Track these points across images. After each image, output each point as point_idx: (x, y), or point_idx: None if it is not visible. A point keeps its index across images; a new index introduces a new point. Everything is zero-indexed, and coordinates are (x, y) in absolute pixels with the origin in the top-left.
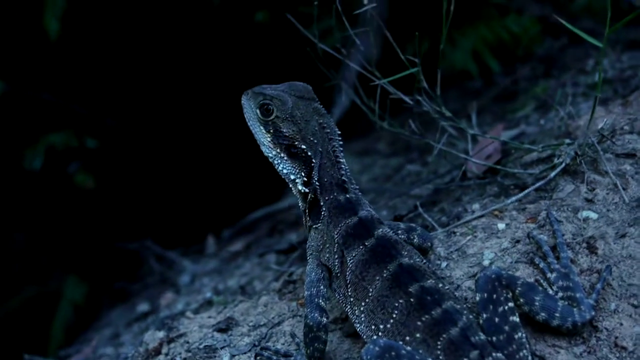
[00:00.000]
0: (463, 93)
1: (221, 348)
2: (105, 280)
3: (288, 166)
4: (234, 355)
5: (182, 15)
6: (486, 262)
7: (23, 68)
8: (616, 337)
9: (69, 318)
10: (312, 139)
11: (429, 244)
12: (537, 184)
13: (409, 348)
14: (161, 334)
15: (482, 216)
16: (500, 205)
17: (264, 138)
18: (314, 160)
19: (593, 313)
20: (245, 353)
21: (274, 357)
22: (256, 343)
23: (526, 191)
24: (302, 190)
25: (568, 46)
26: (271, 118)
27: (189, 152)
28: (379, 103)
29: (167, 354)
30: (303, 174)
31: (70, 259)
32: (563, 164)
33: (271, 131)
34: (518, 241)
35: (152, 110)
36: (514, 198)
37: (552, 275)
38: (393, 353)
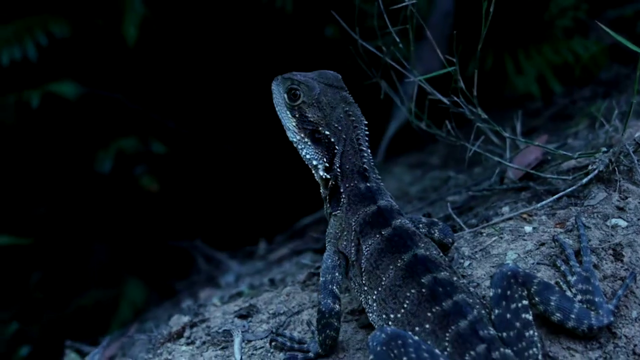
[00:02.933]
0: (523, 113)
1: (241, 332)
2: (158, 279)
3: (311, 151)
4: (250, 341)
5: (253, 25)
6: (508, 262)
7: (99, 72)
8: (635, 345)
9: (127, 317)
10: (336, 125)
11: (450, 239)
12: (568, 190)
13: (416, 337)
14: (186, 319)
15: (510, 219)
16: (529, 209)
17: (289, 122)
18: (337, 147)
19: (612, 318)
20: (261, 339)
21: (288, 343)
22: (273, 330)
23: (556, 196)
24: (324, 177)
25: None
26: (297, 103)
27: (248, 159)
28: (427, 110)
29: (188, 337)
30: (325, 160)
31: (130, 260)
32: (596, 171)
33: (297, 116)
34: (543, 244)
35: (215, 116)
36: (543, 202)
37: (572, 279)
38: (400, 341)
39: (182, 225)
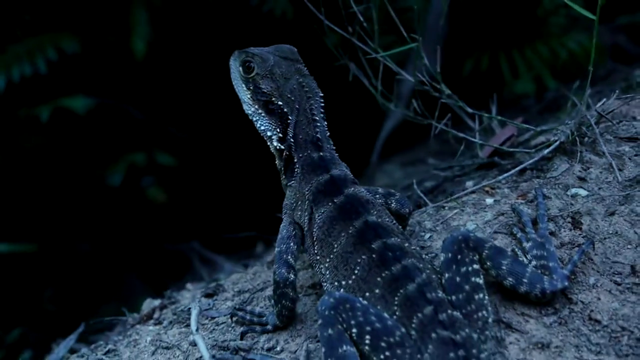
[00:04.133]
0: (517, 109)
1: (204, 310)
2: (154, 280)
3: (265, 122)
4: (213, 317)
5: (254, 34)
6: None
7: (108, 86)
8: (591, 311)
9: None
10: (289, 96)
11: (407, 210)
12: (530, 161)
13: (364, 302)
14: (157, 302)
15: (473, 192)
16: (491, 181)
17: (244, 95)
18: (290, 117)
19: (566, 283)
20: (225, 315)
21: (248, 317)
22: (237, 306)
23: (518, 168)
24: (278, 147)
25: (633, 69)
26: (252, 75)
27: (250, 166)
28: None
29: (157, 318)
30: (279, 131)
31: (131, 263)
32: (557, 142)
33: (251, 88)
34: (502, 214)
35: (220, 127)
36: (505, 175)
37: (527, 245)
38: (348, 305)
39: (184, 231)
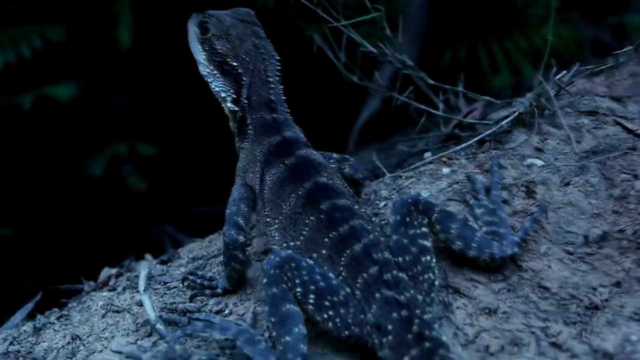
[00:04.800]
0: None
1: (158, 275)
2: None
3: (220, 83)
4: (166, 282)
5: None
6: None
7: (94, 74)
8: (541, 279)
9: None
10: (244, 57)
11: (360, 175)
12: (487, 132)
13: (310, 262)
14: (114, 271)
15: (431, 163)
16: (449, 152)
17: (200, 56)
18: (244, 78)
19: (516, 250)
20: (177, 280)
21: (199, 281)
22: (189, 271)
23: (475, 139)
24: (231, 108)
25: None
26: (208, 36)
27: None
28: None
29: (112, 285)
30: (232, 92)
31: (106, 250)
32: (516, 113)
33: (207, 49)
34: (457, 183)
35: (203, 117)
36: (463, 145)
37: (479, 211)
38: (293, 264)
39: (161, 218)
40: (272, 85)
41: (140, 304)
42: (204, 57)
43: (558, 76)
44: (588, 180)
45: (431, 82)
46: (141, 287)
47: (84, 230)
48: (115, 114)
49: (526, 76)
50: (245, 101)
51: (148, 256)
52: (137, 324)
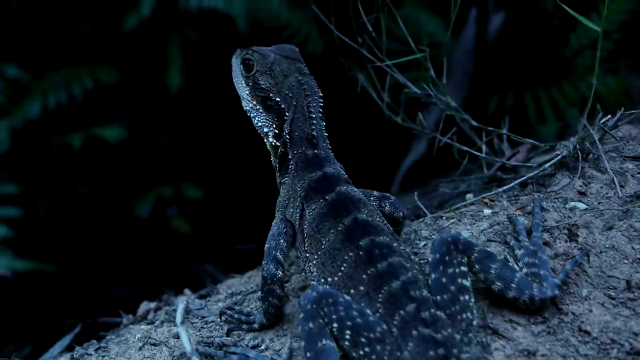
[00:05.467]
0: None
1: (196, 309)
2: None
3: (262, 118)
4: (204, 317)
5: None
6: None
7: (142, 117)
8: (582, 322)
9: None
10: (287, 92)
11: (401, 214)
12: (530, 174)
13: (348, 297)
14: (152, 305)
15: (472, 204)
16: (491, 194)
17: (243, 91)
18: (287, 114)
19: (556, 292)
20: (215, 314)
21: (236, 316)
22: (227, 306)
23: (518, 181)
24: (273, 143)
25: None
26: (252, 73)
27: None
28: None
29: (151, 319)
30: (275, 127)
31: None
32: (559, 157)
33: (250, 84)
34: (498, 224)
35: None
36: (505, 187)
37: (519, 252)
38: (330, 300)
39: (203, 258)
40: (314, 122)
41: (177, 337)
42: (247, 92)
43: (603, 120)
44: (632, 225)
45: (474, 123)
46: (178, 319)
47: (127, 268)
48: (162, 155)
49: (572, 123)
50: (287, 136)
51: (187, 291)
52: (174, 356)
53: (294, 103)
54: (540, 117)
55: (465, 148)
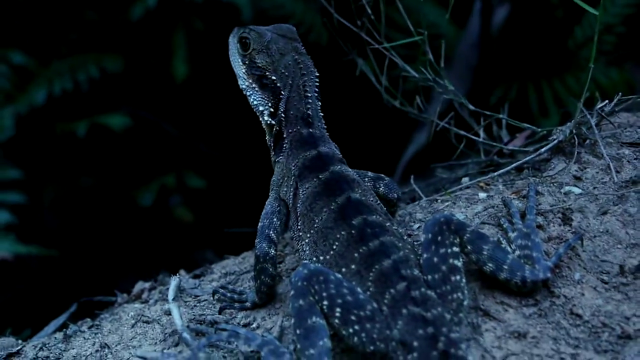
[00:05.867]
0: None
1: (190, 288)
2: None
3: (258, 97)
4: (197, 295)
5: None
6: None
7: (148, 106)
8: (573, 305)
9: None
10: (284, 71)
11: (395, 195)
12: (526, 158)
13: (339, 275)
14: (147, 284)
15: (468, 187)
16: (486, 177)
17: (239, 70)
18: (282, 92)
19: (548, 275)
20: (208, 293)
21: (229, 294)
22: (220, 285)
23: (514, 165)
24: (269, 122)
25: None
26: (249, 52)
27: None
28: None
29: (145, 298)
30: (270, 105)
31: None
32: (555, 141)
33: (247, 62)
34: (493, 207)
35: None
36: (501, 171)
37: (513, 235)
38: (321, 277)
39: (205, 246)
40: (310, 101)
41: (169, 315)
42: (243, 70)
43: (600, 105)
44: (626, 210)
45: (472, 107)
46: (170, 296)
47: (129, 256)
48: (166, 144)
49: (572, 113)
50: (283, 115)
51: (182, 271)
52: (165, 333)
53: (290, 82)
54: (543, 109)
55: (462, 132)
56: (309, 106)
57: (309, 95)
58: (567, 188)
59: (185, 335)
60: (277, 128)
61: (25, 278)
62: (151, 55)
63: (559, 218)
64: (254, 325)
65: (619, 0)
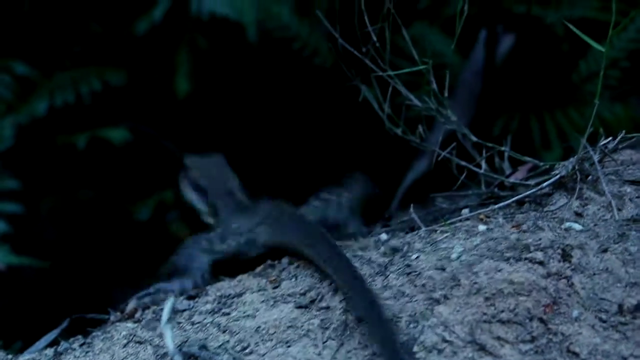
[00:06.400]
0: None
1: (182, 311)
2: None
3: None
4: (190, 317)
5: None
6: (454, 255)
7: (149, 121)
8: (570, 343)
9: None
10: None
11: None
12: (527, 192)
13: None
14: (141, 303)
15: (467, 219)
16: (486, 210)
17: None
18: None
19: None
20: (202, 314)
21: None
22: (215, 309)
23: (514, 198)
24: None
25: None
26: None
27: None
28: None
29: (137, 317)
30: None
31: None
32: (557, 176)
33: None
34: (491, 240)
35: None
36: (501, 204)
37: None
38: None
39: None
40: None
41: (162, 336)
42: None
43: (603, 142)
44: (627, 249)
45: (474, 138)
46: (164, 317)
47: (125, 269)
48: (165, 159)
49: (575, 148)
50: None
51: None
52: (158, 355)
53: None
54: (545, 142)
55: (463, 163)
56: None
57: None
58: (567, 224)
59: (177, 358)
60: None
61: (18, 289)
62: (154, 70)
63: (559, 254)
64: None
65: (624, 35)
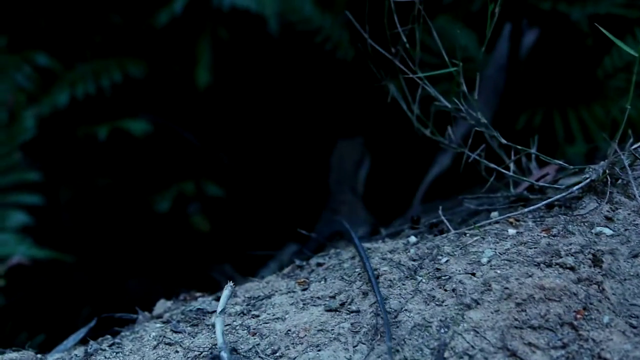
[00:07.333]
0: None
1: (211, 312)
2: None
3: None
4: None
5: (316, 74)
6: (484, 260)
7: (170, 112)
8: (602, 349)
9: None
10: None
11: None
12: (556, 196)
13: None
14: (169, 303)
15: (497, 223)
16: (516, 213)
17: None
18: None
19: None
20: (231, 315)
21: None
22: (245, 311)
23: (544, 202)
24: None
25: None
26: None
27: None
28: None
29: (166, 318)
30: None
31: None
32: (588, 180)
33: None
34: (522, 244)
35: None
36: (531, 207)
37: None
38: None
39: (222, 258)
40: None
41: (193, 337)
42: None
43: (634, 146)
44: None
45: (504, 141)
46: (220, 307)
47: (145, 263)
48: (185, 151)
49: (601, 146)
50: None
51: (206, 294)
52: (188, 357)
53: None
54: (569, 137)
55: (493, 165)
56: None
57: None
58: (598, 229)
59: (223, 354)
60: None
61: (41, 282)
62: (175, 61)
63: (589, 259)
64: None
65: None
